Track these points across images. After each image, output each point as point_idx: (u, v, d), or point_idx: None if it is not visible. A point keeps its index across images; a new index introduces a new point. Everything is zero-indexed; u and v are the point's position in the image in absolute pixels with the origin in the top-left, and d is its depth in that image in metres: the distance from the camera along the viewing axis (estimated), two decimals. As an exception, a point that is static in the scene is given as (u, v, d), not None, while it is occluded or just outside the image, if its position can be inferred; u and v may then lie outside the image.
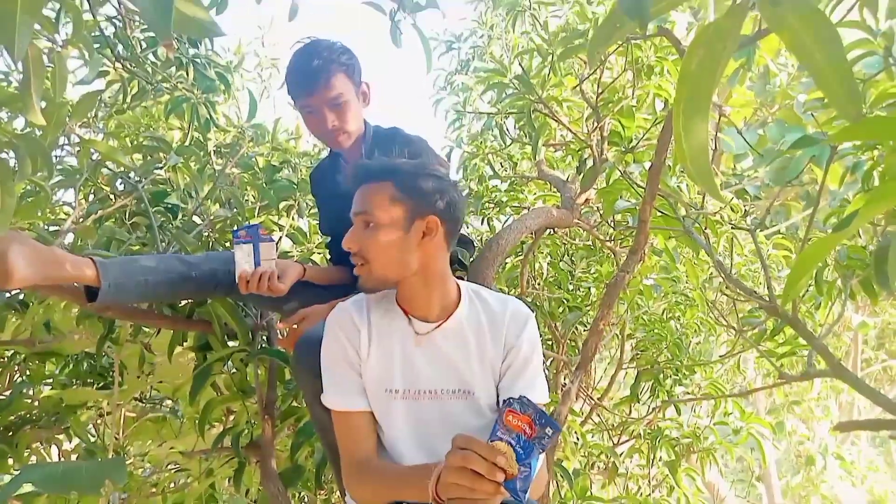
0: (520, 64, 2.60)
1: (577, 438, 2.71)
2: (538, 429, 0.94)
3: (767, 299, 1.37)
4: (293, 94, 1.64)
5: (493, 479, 0.90)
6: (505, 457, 0.91)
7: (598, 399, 2.96)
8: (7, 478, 1.89)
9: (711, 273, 2.82)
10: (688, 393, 2.93)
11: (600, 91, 2.39)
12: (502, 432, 0.94)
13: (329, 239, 1.93)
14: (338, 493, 2.37)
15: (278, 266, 1.56)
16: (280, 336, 2.02)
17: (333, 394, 1.22)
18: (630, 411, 3.03)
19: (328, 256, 2.01)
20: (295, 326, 1.56)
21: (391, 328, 1.24)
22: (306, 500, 2.45)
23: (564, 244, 3.12)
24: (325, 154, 1.95)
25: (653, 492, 2.91)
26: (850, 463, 5.76)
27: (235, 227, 1.55)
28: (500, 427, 0.95)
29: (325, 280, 1.75)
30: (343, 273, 1.83)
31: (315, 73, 1.58)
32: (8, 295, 1.83)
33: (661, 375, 2.86)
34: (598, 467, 2.99)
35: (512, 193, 3.25)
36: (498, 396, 1.24)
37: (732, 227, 1.92)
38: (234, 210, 2.18)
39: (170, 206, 2.08)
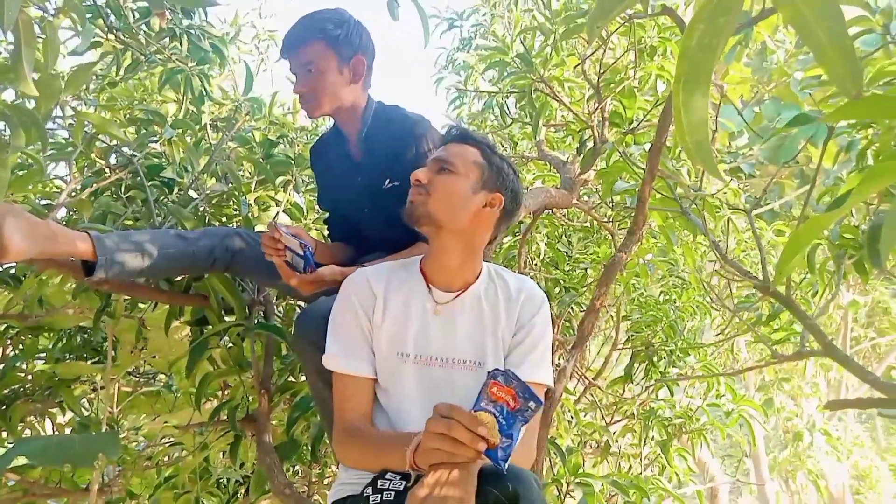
0: (522, 43, 2.57)
1: (571, 417, 2.73)
2: (521, 402, 0.95)
3: (762, 280, 1.38)
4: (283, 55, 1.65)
5: (474, 447, 0.91)
6: (487, 427, 0.92)
7: (592, 378, 2.99)
8: (1, 451, 1.91)
9: (708, 255, 2.83)
10: (681, 374, 2.95)
11: (602, 71, 2.37)
12: (486, 403, 0.95)
13: (328, 214, 1.92)
14: (333, 466, 2.40)
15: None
16: (276, 315, 2.03)
17: (337, 355, 1.24)
18: (623, 391, 3.06)
19: (325, 233, 2.00)
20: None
21: (410, 295, 1.27)
22: (301, 473, 2.47)
23: (562, 224, 3.11)
24: (323, 129, 1.93)
25: (644, 470, 2.95)
26: (836, 439, 5.85)
27: (304, 243, 1.51)
28: (483, 397, 0.96)
29: (328, 258, 1.75)
30: (344, 250, 1.82)
31: (294, 36, 1.59)
32: (0, 269, 1.82)
33: (655, 357, 2.88)
34: (591, 445, 3.02)
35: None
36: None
37: (730, 209, 1.92)
38: (231, 185, 2.17)
39: (165, 180, 2.06)
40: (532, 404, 0.95)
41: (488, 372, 0.98)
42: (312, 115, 1.67)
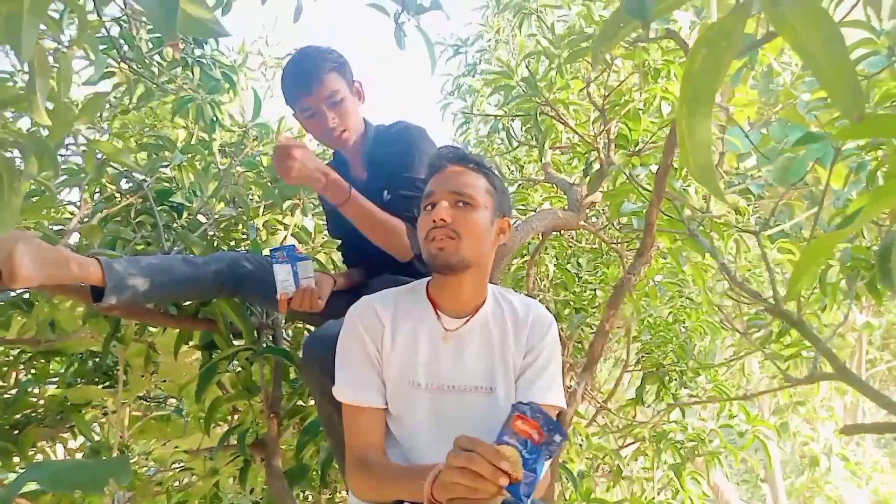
0: (527, 67, 2.60)
1: (582, 440, 2.70)
2: (546, 435, 0.93)
3: (772, 302, 1.37)
4: (291, 98, 1.64)
5: (496, 482, 0.89)
6: (509, 461, 0.90)
7: (603, 401, 2.96)
8: (12, 476, 1.90)
9: (718, 275, 2.81)
10: (693, 396, 2.92)
11: (607, 94, 2.39)
12: (509, 437, 0.93)
13: (340, 242, 1.93)
14: (342, 491, 2.38)
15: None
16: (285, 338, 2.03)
17: (346, 387, 1.22)
18: (635, 414, 3.02)
19: (335, 257, 2.01)
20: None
21: (418, 323, 1.24)
22: (311, 498, 2.45)
23: (571, 246, 3.12)
24: (328, 155, 1.95)
25: (657, 494, 2.90)
26: (854, 464, 5.73)
27: (272, 248, 1.56)
28: (507, 431, 0.94)
29: (349, 285, 1.76)
30: (361, 274, 1.84)
31: (308, 73, 1.59)
32: (13, 294, 1.84)
33: (667, 378, 2.86)
34: (603, 469, 2.98)
35: (519, 196, 3.25)
36: (516, 393, 1.24)
37: (738, 230, 1.92)
38: (239, 209, 2.19)
39: (175, 205, 2.09)
40: (557, 438, 0.93)
41: (513, 405, 0.96)
42: (349, 144, 1.68)
